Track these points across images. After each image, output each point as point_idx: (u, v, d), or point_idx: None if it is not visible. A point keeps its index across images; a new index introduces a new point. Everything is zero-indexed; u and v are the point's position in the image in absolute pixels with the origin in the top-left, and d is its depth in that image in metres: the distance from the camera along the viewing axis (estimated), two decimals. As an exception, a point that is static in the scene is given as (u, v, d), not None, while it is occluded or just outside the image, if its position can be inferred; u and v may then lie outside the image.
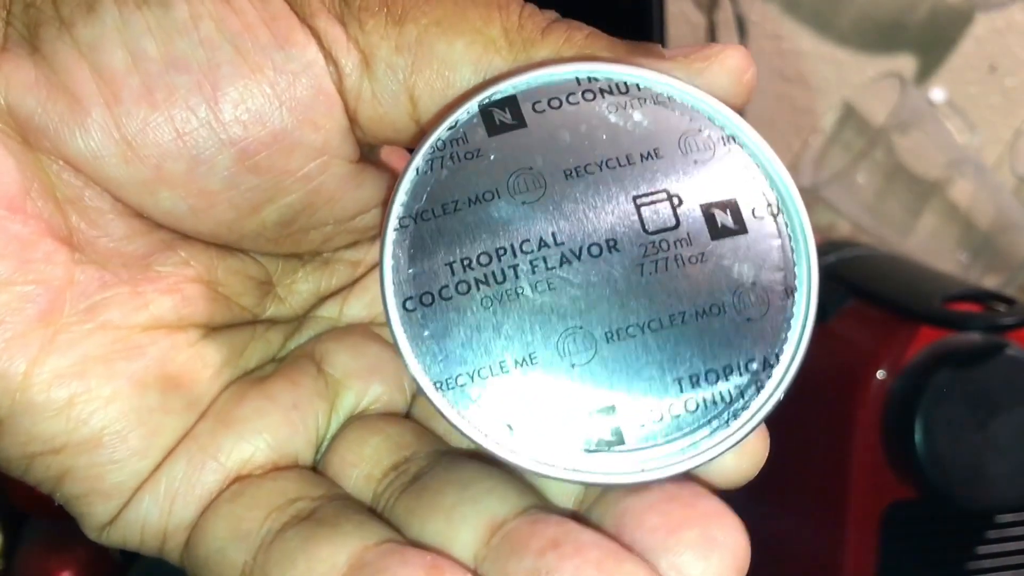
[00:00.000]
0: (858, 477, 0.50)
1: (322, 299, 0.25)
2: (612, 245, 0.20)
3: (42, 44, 0.20)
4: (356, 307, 0.25)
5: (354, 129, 0.21)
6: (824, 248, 0.60)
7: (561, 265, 0.20)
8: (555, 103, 0.20)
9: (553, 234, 0.20)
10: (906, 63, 0.87)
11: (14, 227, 0.20)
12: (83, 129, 0.20)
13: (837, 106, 0.81)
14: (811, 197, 0.78)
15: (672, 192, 0.20)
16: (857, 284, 0.55)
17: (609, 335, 0.20)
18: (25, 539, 0.61)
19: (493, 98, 0.20)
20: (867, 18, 0.86)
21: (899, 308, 0.51)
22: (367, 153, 0.22)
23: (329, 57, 0.20)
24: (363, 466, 0.22)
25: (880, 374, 0.49)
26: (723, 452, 0.20)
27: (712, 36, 0.85)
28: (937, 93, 0.81)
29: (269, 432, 0.22)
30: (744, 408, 0.20)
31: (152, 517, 0.21)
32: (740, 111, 0.21)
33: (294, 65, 0.20)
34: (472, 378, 0.20)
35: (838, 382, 0.52)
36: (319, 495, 0.21)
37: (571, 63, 0.21)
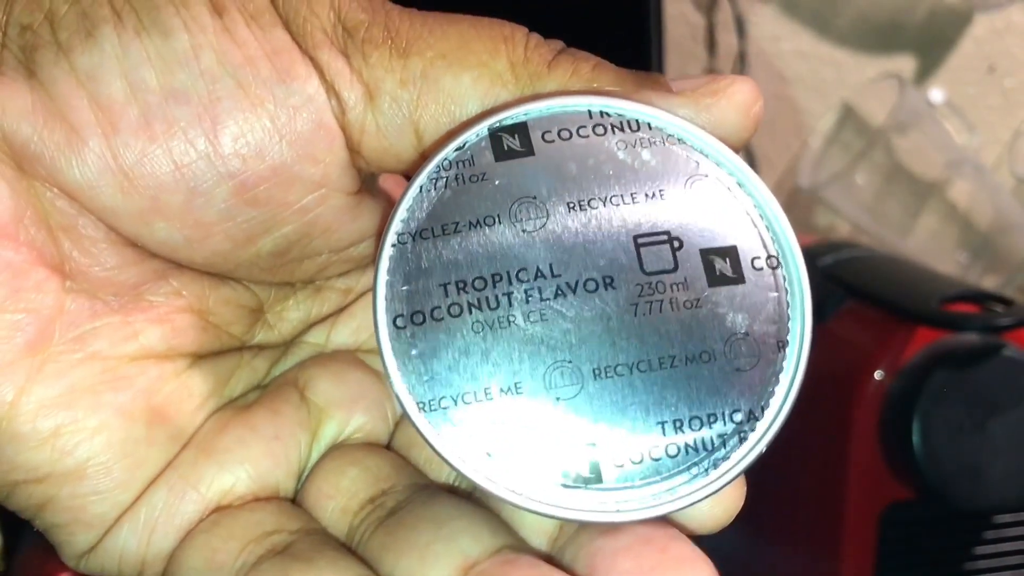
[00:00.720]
0: (856, 478, 0.50)
1: (310, 325, 0.25)
2: (608, 282, 0.20)
3: (39, 69, 0.19)
4: (343, 333, 0.25)
5: (356, 160, 0.21)
6: (823, 248, 0.60)
7: (556, 297, 0.20)
8: (565, 134, 0.20)
9: (551, 265, 0.20)
10: (905, 64, 0.87)
11: (6, 254, 0.20)
12: (80, 159, 0.19)
13: (836, 107, 0.81)
14: (810, 198, 0.79)
15: (673, 235, 0.20)
16: (855, 285, 0.55)
17: (597, 372, 0.20)
18: (25, 541, 0.61)
19: (504, 123, 0.20)
20: (866, 19, 0.86)
21: (897, 309, 0.51)
22: (366, 182, 0.22)
23: (332, 90, 0.20)
24: (339, 498, 0.22)
25: (878, 375, 0.49)
26: (700, 500, 0.20)
27: (711, 37, 0.85)
28: (936, 94, 0.81)
29: (250, 463, 0.22)
30: (725, 458, 0.20)
31: (130, 547, 0.21)
32: (748, 142, 0.21)
33: (295, 99, 0.20)
34: (456, 402, 0.20)
35: (836, 382, 0.52)
36: (296, 528, 0.21)
37: (585, 95, 0.20)
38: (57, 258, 0.20)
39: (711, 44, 0.85)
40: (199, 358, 0.22)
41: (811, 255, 0.60)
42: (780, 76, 0.86)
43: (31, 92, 0.19)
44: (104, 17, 0.20)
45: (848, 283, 0.55)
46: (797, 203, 0.87)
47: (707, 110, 0.20)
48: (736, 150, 0.21)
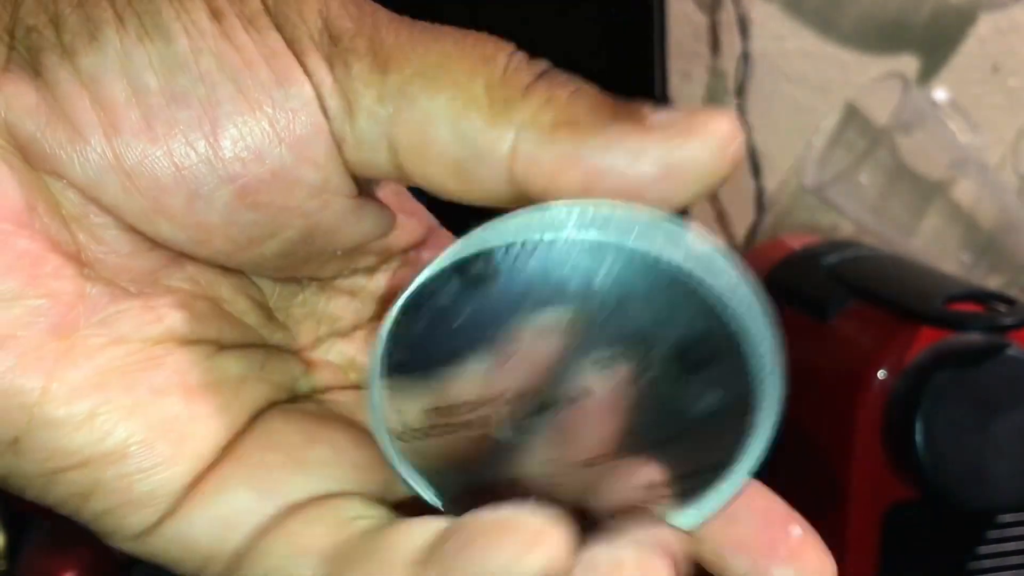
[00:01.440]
0: (859, 478, 0.50)
1: (331, 336, 0.25)
2: (587, 393, 0.20)
3: (44, 70, 0.20)
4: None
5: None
6: (826, 248, 0.61)
7: (539, 413, 0.20)
8: (533, 254, 0.19)
9: (527, 386, 0.20)
10: (909, 63, 0.87)
11: (22, 242, 0.20)
12: (82, 157, 0.20)
13: (840, 106, 0.81)
14: (814, 198, 0.78)
15: (649, 344, 0.20)
16: (858, 284, 0.55)
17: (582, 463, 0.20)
18: (28, 539, 0.61)
19: (468, 253, 0.19)
20: (870, 18, 0.86)
21: (901, 308, 0.51)
22: (366, 187, 0.22)
23: (320, 97, 0.20)
24: None
25: (881, 374, 0.49)
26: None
27: (714, 36, 0.85)
28: (940, 93, 0.81)
29: (336, 483, 0.22)
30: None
31: (202, 538, 0.21)
32: (724, 182, 0.21)
33: (293, 103, 0.20)
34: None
35: (839, 382, 0.52)
36: (380, 515, 0.21)
37: (565, 203, 0.19)
38: (72, 246, 0.20)
39: (714, 44, 0.85)
40: (224, 347, 0.22)
41: (815, 254, 0.60)
42: (783, 76, 0.86)
43: (36, 91, 0.20)
44: (107, 20, 0.20)
45: (851, 283, 0.55)
46: (801, 203, 0.87)
47: (678, 149, 0.19)
48: (711, 191, 0.20)
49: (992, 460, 0.47)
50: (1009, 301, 0.51)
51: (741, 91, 0.84)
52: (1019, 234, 0.76)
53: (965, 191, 0.77)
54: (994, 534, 0.53)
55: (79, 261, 0.20)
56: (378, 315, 0.25)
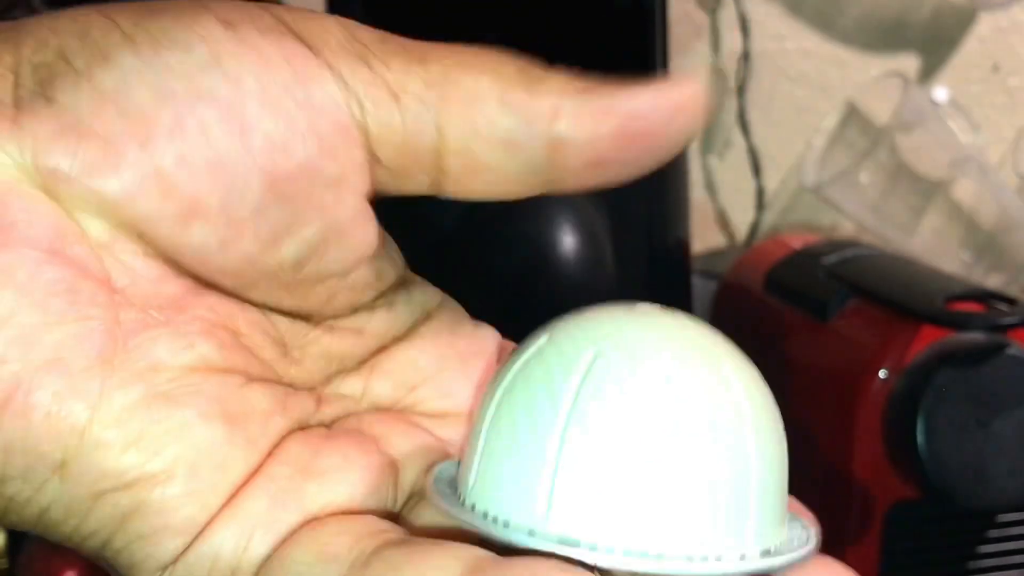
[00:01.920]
0: (860, 477, 0.50)
1: (339, 373, 0.25)
2: None
3: (59, 95, 0.20)
4: (380, 387, 0.25)
5: (373, 164, 0.22)
6: (827, 247, 0.61)
7: None
8: None
9: None
10: (909, 63, 0.87)
11: (56, 271, 0.20)
12: (117, 170, 0.20)
13: (840, 106, 0.81)
14: (814, 197, 0.79)
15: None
16: (859, 283, 0.55)
17: None
18: (30, 538, 0.61)
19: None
20: (870, 17, 0.86)
21: (901, 308, 0.51)
22: (372, 202, 0.23)
23: (351, 93, 0.21)
24: None
25: (882, 374, 0.49)
26: None
27: (715, 36, 0.85)
28: (940, 93, 0.81)
29: (350, 486, 0.22)
30: None
31: (226, 551, 0.21)
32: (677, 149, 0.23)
33: (315, 100, 0.21)
34: None
35: (840, 382, 0.52)
36: (404, 532, 0.21)
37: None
38: (103, 274, 0.20)
39: (715, 43, 0.85)
40: (250, 379, 0.22)
41: (815, 254, 0.60)
42: (784, 75, 0.86)
43: (56, 117, 0.20)
44: (116, 43, 0.20)
45: (852, 282, 0.55)
46: (801, 202, 0.87)
47: (681, 89, 0.22)
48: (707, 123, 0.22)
49: (993, 459, 0.47)
50: (1010, 300, 0.51)
51: (741, 90, 0.84)
52: (1019, 233, 0.76)
53: (965, 190, 0.77)
54: (995, 533, 0.53)
55: (110, 287, 0.20)
56: (380, 350, 0.25)
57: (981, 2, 0.84)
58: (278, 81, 0.21)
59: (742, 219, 0.87)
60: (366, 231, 0.23)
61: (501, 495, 0.20)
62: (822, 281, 0.57)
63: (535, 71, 0.22)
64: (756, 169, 0.85)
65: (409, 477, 0.23)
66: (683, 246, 0.57)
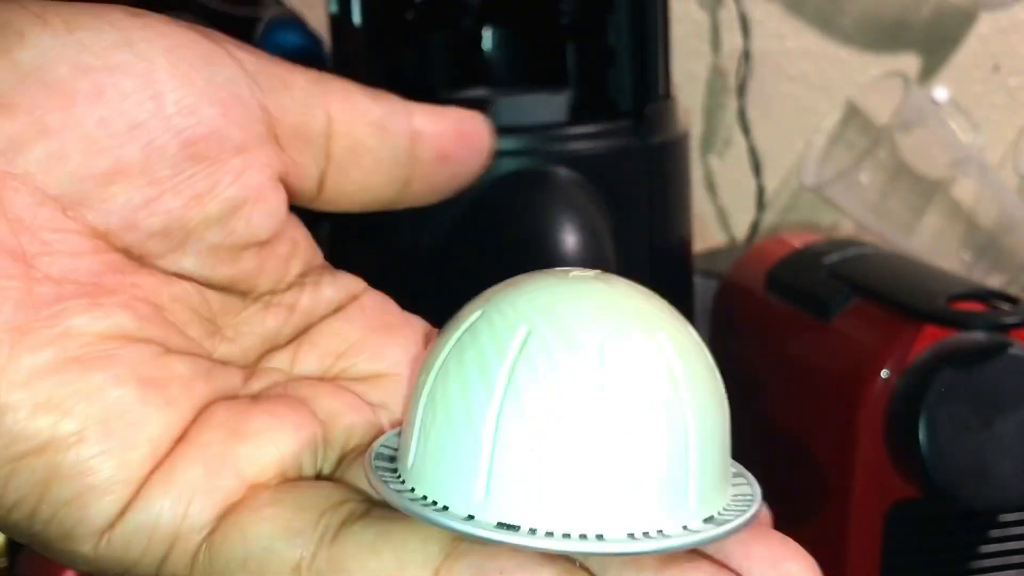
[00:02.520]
0: (862, 476, 0.50)
1: (271, 350, 0.26)
2: None
3: None
4: (308, 361, 0.26)
5: (274, 145, 0.24)
6: (828, 247, 0.60)
7: None
8: None
9: None
10: (910, 62, 0.87)
11: None
12: (45, 136, 0.21)
13: (840, 105, 0.81)
14: (814, 196, 0.79)
15: None
16: (860, 283, 0.55)
17: None
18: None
19: None
20: (870, 17, 0.86)
21: (903, 307, 0.51)
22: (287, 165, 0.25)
23: (251, 76, 0.24)
24: None
25: (884, 373, 0.49)
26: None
27: (715, 35, 0.85)
28: (941, 92, 0.81)
29: (281, 445, 0.22)
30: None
31: (165, 519, 0.21)
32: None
33: (219, 77, 0.23)
34: None
35: (841, 381, 0.52)
36: (362, 499, 0.22)
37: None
38: (17, 247, 0.21)
39: (715, 42, 0.85)
40: (170, 351, 0.23)
41: (816, 253, 0.60)
42: (784, 74, 0.86)
43: None
44: (29, 21, 0.22)
45: (854, 281, 0.55)
46: (801, 201, 0.87)
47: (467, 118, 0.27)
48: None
49: (995, 459, 0.47)
50: (1012, 300, 0.51)
51: (742, 90, 0.84)
52: (1019, 233, 0.76)
53: (965, 190, 0.77)
54: (997, 533, 0.53)
55: (24, 261, 0.21)
56: (309, 327, 0.26)
57: (982, 2, 0.84)
58: (185, 59, 0.23)
59: (742, 218, 0.87)
60: (278, 198, 0.24)
61: (440, 479, 0.20)
62: (823, 280, 0.57)
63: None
64: (756, 168, 0.85)
65: (339, 436, 0.24)
66: (684, 246, 0.57)
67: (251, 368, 0.25)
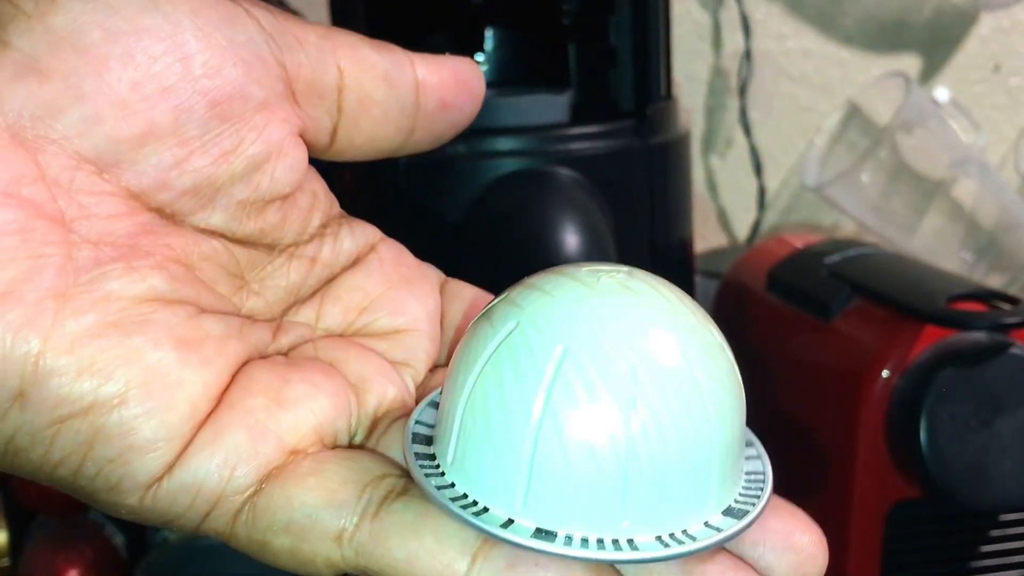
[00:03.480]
0: (862, 476, 0.50)
1: (296, 303, 0.27)
2: None
3: (13, 39, 0.22)
4: (331, 315, 0.27)
5: (291, 100, 0.25)
6: (829, 247, 0.60)
7: None
8: None
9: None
10: (911, 62, 0.87)
11: (10, 212, 0.21)
12: (80, 101, 0.22)
13: (842, 105, 0.81)
14: (815, 196, 0.79)
15: None
16: (861, 283, 0.55)
17: None
18: (32, 537, 0.61)
19: None
20: (871, 17, 0.86)
21: (904, 307, 0.51)
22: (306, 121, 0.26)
23: (269, 35, 0.25)
24: None
25: (885, 373, 0.49)
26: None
27: (717, 35, 0.85)
28: (941, 92, 0.81)
29: (319, 414, 0.24)
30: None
31: (211, 480, 0.22)
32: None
33: (241, 37, 0.24)
34: None
35: (842, 381, 0.52)
36: (399, 473, 0.23)
37: None
38: (57, 212, 0.22)
39: (717, 43, 0.85)
40: (203, 310, 0.24)
41: (817, 253, 0.60)
42: (785, 74, 0.86)
43: (12, 62, 0.22)
44: None
45: (855, 281, 0.55)
46: (802, 201, 0.87)
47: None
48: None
49: (996, 459, 0.47)
50: (1013, 300, 0.51)
51: (743, 90, 0.84)
52: (1020, 233, 0.76)
53: (966, 190, 0.77)
54: (997, 533, 0.53)
55: (63, 225, 0.22)
56: (331, 279, 0.27)
57: (982, 2, 0.84)
58: (210, 20, 0.24)
59: (743, 218, 0.87)
60: (299, 152, 0.25)
61: (480, 481, 0.21)
62: (824, 280, 0.57)
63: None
64: (757, 168, 0.85)
65: (370, 403, 0.25)
66: (686, 246, 0.57)
67: (277, 321, 0.26)
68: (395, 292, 0.27)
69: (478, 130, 0.55)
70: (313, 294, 0.27)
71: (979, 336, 0.49)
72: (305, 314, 0.27)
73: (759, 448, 0.24)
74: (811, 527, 0.22)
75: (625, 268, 0.23)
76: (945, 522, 0.52)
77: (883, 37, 0.87)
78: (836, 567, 0.52)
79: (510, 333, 0.21)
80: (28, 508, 0.61)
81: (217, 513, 0.22)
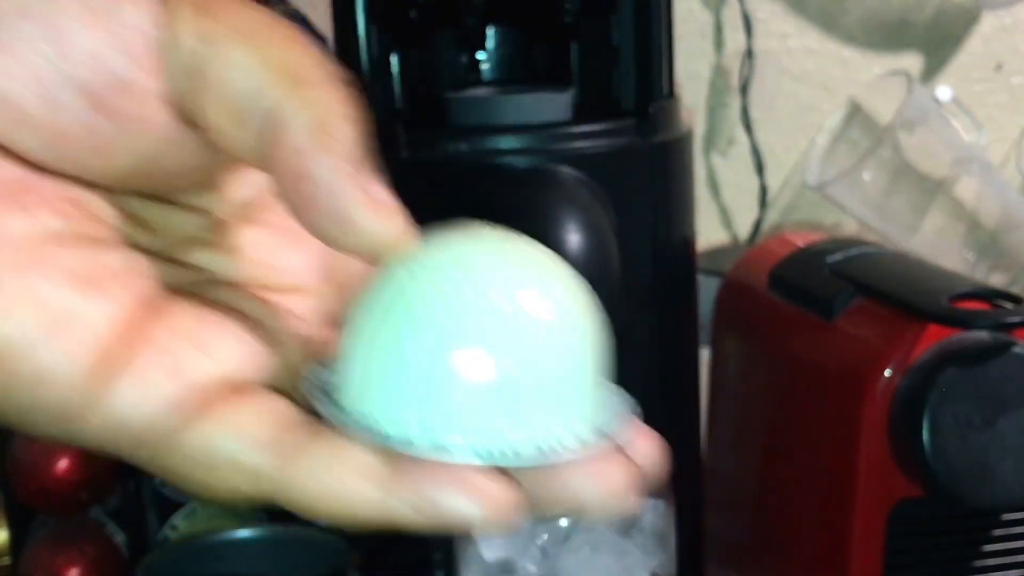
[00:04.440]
0: (865, 475, 0.50)
1: (193, 245, 0.27)
2: None
3: None
4: (228, 263, 0.27)
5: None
6: (831, 246, 0.60)
7: None
8: None
9: None
10: (912, 61, 0.87)
11: None
12: None
13: (843, 104, 0.81)
14: (817, 195, 0.78)
15: None
16: (863, 282, 0.55)
17: None
18: (32, 535, 0.61)
19: None
20: (874, 16, 0.86)
21: (906, 306, 0.51)
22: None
23: (149, 16, 0.23)
24: None
25: (887, 372, 0.49)
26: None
27: (719, 34, 0.85)
28: (943, 91, 0.81)
29: (234, 359, 0.24)
30: None
31: (131, 419, 0.22)
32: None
33: (130, 19, 0.23)
34: None
35: (845, 380, 0.52)
36: (310, 414, 0.23)
37: None
38: None
39: (718, 41, 0.85)
40: (100, 245, 0.24)
41: (819, 252, 0.60)
42: (787, 73, 0.86)
43: None
44: None
45: (857, 280, 0.55)
46: (804, 200, 0.87)
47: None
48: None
49: (998, 458, 0.47)
50: (1015, 299, 0.51)
51: (745, 88, 0.84)
52: (1022, 232, 0.76)
53: (968, 189, 0.77)
54: (999, 532, 0.53)
55: None
56: (226, 230, 0.27)
57: (984, 1, 0.84)
58: (97, 3, 0.22)
59: (745, 217, 0.87)
60: (185, 144, 0.24)
61: (377, 410, 0.23)
62: (826, 280, 0.57)
63: (303, 71, 0.24)
64: (759, 167, 0.85)
65: (279, 347, 0.25)
66: (687, 244, 0.57)
67: (179, 260, 0.26)
68: (286, 250, 0.27)
69: (480, 129, 0.55)
70: (209, 243, 0.27)
71: (981, 335, 0.49)
72: (204, 259, 0.27)
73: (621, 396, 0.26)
74: (653, 437, 0.24)
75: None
76: (947, 521, 0.52)
77: (885, 36, 0.87)
78: (839, 566, 0.52)
79: (397, 275, 0.23)
80: (29, 506, 0.61)
81: (144, 451, 0.23)
